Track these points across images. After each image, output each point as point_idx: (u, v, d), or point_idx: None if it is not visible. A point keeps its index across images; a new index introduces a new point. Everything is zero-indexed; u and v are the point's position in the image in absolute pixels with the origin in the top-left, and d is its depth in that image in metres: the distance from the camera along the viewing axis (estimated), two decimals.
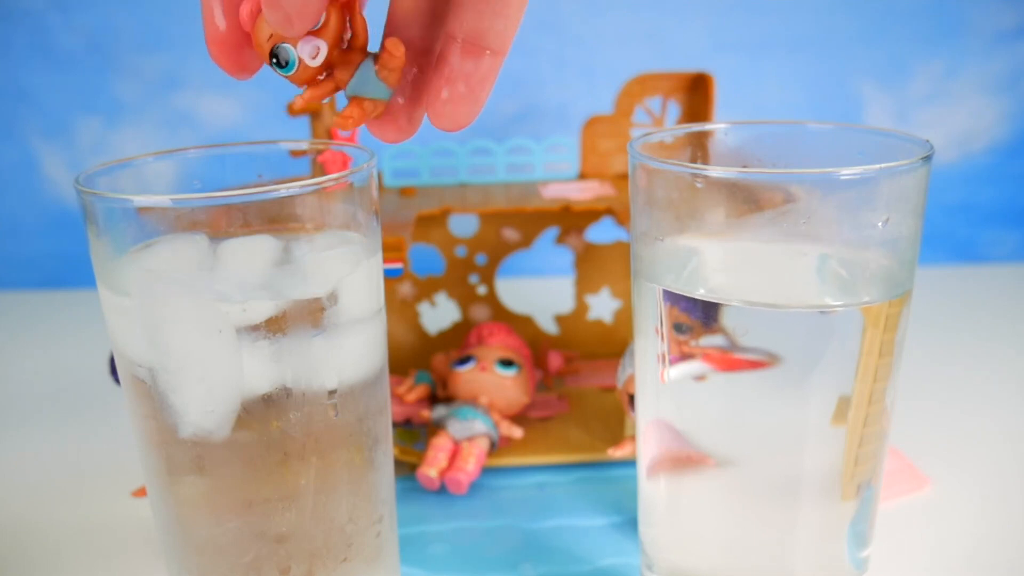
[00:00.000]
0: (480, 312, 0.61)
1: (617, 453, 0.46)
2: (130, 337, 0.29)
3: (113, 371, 0.42)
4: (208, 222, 0.27)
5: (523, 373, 0.51)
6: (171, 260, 0.28)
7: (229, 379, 0.28)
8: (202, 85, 0.78)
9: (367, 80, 0.25)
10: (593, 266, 0.61)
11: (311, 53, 0.25)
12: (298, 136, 0.38)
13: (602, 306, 0.63)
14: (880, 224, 0.28)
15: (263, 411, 0.28)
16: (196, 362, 0.28)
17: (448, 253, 0.60)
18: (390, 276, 0.41)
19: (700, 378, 0.30)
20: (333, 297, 0.29)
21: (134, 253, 0.28)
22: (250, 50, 0.25)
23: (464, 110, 0.25)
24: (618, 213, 0.50)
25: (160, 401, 0.28)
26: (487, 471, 0.48)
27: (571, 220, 0.59)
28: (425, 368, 0.57)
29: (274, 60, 0.25)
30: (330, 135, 0.47)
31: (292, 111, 0.45)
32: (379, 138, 0.27)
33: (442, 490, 0.47)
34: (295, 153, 0.35)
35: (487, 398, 0.50)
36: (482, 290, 0.61)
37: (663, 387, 0.32)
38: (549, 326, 0.63)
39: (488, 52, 0.24)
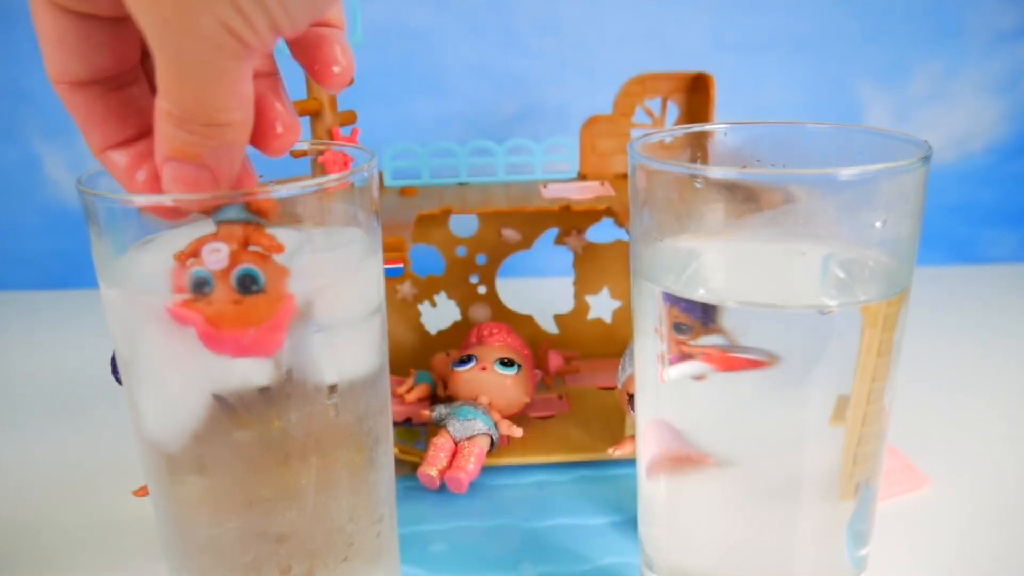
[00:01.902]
0: (480, 312, 0.61)
1: (617, 452, 0.46)
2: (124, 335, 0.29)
3: (115, 371, 0.42)
4: None
5: (523, 373, 0.51)
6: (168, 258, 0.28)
7: (193, 385, 0.28)
8: None
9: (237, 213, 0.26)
10: (593, 266, 0.61)
11: (217, 261, 0.26)
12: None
13: (602, 306, 0.63)
14: (879, 224, 0.29)
15: (263, 410, 0.28)
16: (167, 363, 0.28)
17: (448, 253, 0.60)
18: (390, 276, 0.41)
19: (700, 378, 0.30)
20: (333, 295, 0.29)
21: (134, 251, 0.28)
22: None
23: (296, 136, 0.27)
24: (618, 213, 0.50)
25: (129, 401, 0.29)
26: (487, 470, 0.48)
27: (571, 220, 0.59)
28: (425, 368, 0.57)
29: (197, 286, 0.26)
30: (331, 135, 0.47)
31: None
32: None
33: (442, 489, 0.47)
34: (296, 154, 0.35)
35: (487, 398, 0.50)
36: (482, 290, 0.61)
37: (663, 387, 0.32)
38: (549, 326, 0.63)
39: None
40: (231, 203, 0.25)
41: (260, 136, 0.26)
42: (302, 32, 0.24)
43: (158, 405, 0.29)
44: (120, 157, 0.26)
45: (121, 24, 0.24)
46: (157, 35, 0.21)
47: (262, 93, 0.26)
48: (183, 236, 0.28)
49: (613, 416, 0.53)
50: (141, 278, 0.28)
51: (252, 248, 0.26)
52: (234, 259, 0.26)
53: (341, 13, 0.27)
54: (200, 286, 0.26)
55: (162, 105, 0.23)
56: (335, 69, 0.26)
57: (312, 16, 0.23)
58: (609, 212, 0.52)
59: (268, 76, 0.26)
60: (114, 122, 0.26)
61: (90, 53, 0.24)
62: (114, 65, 0.25)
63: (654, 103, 0.56)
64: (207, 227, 0.26)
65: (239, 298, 0.26)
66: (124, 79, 0.26)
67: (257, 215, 0.26)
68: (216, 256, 0.25)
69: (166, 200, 0.25)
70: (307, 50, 0.26)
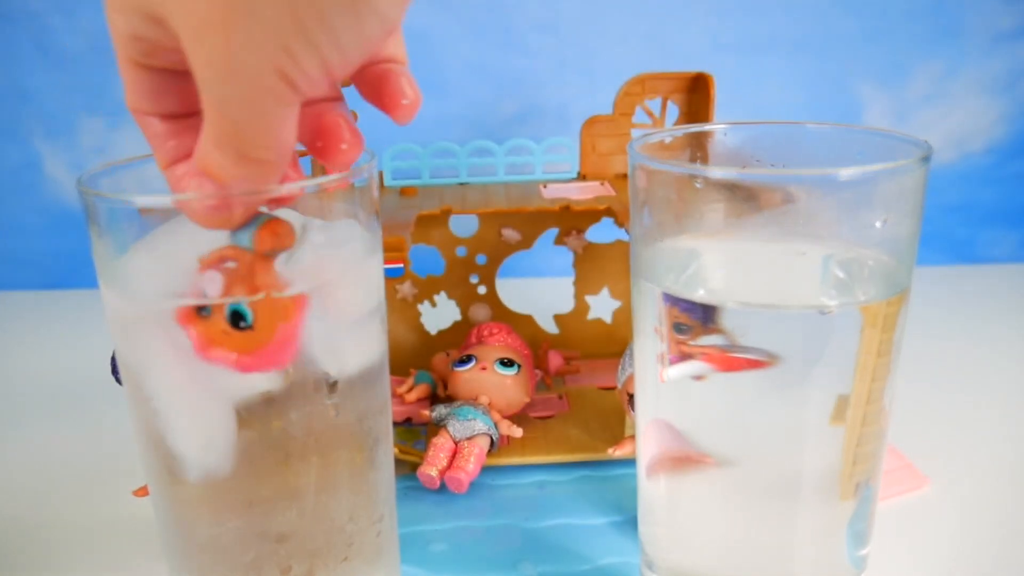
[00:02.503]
0: (480, 312, 0.62)
1: (617, 452, 0.47)
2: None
3: (115, 371, 0.42)
4: None
5: (523, 373, 0.52)
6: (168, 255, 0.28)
7: (194, 385, 0.28)
8: None
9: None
10: (593, 266, 0.61)
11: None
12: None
13: (602, 306, 0.63)
14: (879, 224, 0.29)
15: (264, 410, 0.28)
16: (167, 363, 0.28)
17: (448, 253, 0.60)
18: (390, 276, 0.41)
19: (699, 378, 0.30)
20: (333, 293, 0.29)
21: (134, 251, 0.28)
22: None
23: (359, 151, 0.28)
24: (618, 213, 0.50)
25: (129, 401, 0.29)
26: (487, 470, 0.48)
27: (571, 220, 0.59)
28: (425, 368, 0.57)
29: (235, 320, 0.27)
30: None
31: None
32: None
33: (442, 489, 0.47)
34: (296, 154, 0.35)
35: (487, 398, 0.50)
36: (482, 290, 0.61)
37: (663, 387, 0.32)
38: (549, 326, 0.63)
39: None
40: (249, 226, 0.26)
41: (325, 151, 0.27)
42: (353, 71, 0.25)
43: (158, 404, 0.29)
44: (180, 169, 0.28)
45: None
46: (204, 73, 0.22)
47: (325, 111, 0.27)
48: (184, 237, 0.28)
49: (613, 416, 0.53)
50: (141, 278, 0.28)
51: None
52: (227, 290, 0.26)
53: (403, 49, 0.28)
54: (201, 305, 0.26)
55: (204, 127, 0.24)
56: (404, 101, 0.27)
57: (364, 52, 0.23)
58: (609, 212, 0.52)
59: (334, 100, 0.27)
60: (182, 144, 0.27)
61: (162, 98, 0.27)
62: (182, 107, 0.27)
63: (654, 103, 0.56)
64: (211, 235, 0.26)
65: (229, 329, 0.27)
66: (192, 110, 0.27)
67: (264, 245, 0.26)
68: (213, 286, 0.26)
69: (166, 201, 0.25)
70: (375, 87, 0.27)
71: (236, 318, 0.26)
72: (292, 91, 0.22)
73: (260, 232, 0.26)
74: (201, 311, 0.26)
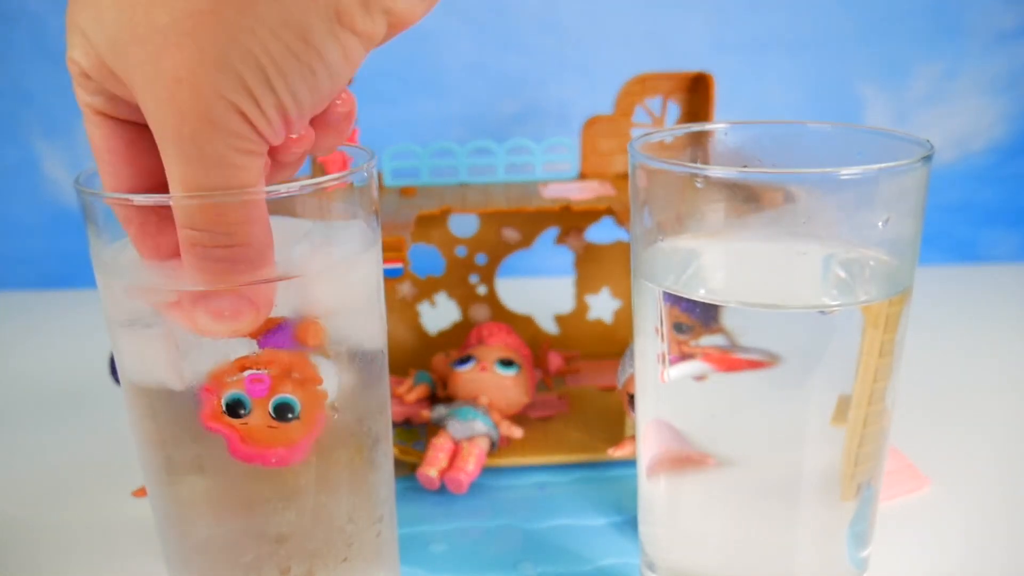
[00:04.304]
0: (480, 312, 0.61)
1: (617, 453, 0.46)
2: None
3: (113, 371, 0.42)
4: None
5: (523, 373, 0.51)
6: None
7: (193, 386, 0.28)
8: None
9: None
10: (593, 266, 0.61)
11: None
12: None
13: (602, 306, 0.63)
14: (880, 224, 0.28)
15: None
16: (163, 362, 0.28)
17: (448, 253, 0.60)
18: (390, 276, 0.41)
19: (700, 378, 0.30)
20: (333, 293, 0.29)
21: (132, 250, 0.28)
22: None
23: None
24: (618, 213, 0.50)
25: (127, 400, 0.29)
26: (487, 471, 0.48)
27: (571, 220, 0.59)
28: (425, 368, 0.57)
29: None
30: None
31: None
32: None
33: (442, 490, 0.47)
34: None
35: (487, 398, 0.50)
36: (482, 290, 0.61)
37: (663, 387, 0.32)
38: (549, 326, 0.63)
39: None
40: (279, 330, 0.26)
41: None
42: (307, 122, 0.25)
43: (157, 405, 0.29)
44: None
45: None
46: (173, 127, 0.23)
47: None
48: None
49: (613, 416, 0.53)
50: (139, 277, 0.28)
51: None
52: (273, 388, 0.27)
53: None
54: (235, 408, 0.27)
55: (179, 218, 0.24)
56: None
57: (316, 104, 0.24)
58: (609, 212, 0.52)
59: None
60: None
61: (138, 159, 0.26)
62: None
63: (654, 103, 0.56)
64: None
65: (275, 424, 0.27)
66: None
67: (299, 343, 0.27)
68: (259, 386, 0.27)
69: (163, 200, 0.25)
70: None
71: (284, 411, 0.27)
72: (255, 135, 0.23)
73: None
74: (236, 412, 0.27)
